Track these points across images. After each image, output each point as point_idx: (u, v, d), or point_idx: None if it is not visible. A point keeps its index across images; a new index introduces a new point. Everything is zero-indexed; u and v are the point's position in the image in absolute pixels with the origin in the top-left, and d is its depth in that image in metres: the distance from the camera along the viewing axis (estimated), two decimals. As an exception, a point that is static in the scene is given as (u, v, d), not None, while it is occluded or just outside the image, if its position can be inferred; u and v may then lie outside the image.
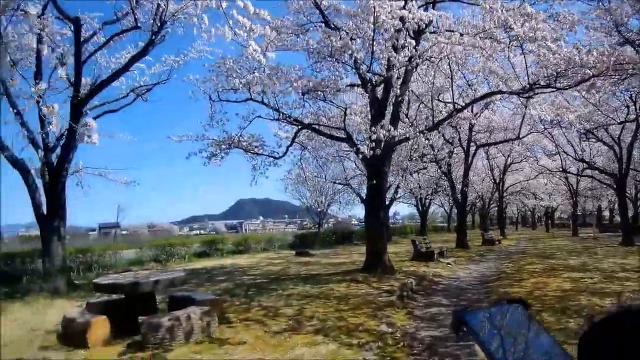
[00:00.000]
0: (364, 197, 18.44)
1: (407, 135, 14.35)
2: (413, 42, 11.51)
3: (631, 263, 17.76)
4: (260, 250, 28.72)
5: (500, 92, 15.72)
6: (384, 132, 12.74)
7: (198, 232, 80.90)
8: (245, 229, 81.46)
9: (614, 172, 30.82)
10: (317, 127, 16.52)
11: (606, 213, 69.93)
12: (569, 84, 12.78)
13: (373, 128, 13.02)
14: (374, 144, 12.92)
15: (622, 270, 15.30)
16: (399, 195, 44.45)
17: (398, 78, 13.89)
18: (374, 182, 15.33)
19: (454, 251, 25.22)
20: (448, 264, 19.25)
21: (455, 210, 39.94)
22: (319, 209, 57.18)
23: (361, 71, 13.76)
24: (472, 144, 28.34)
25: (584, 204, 69.06)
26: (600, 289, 11.44)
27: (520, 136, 25.79)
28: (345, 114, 15.52)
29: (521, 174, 47.66)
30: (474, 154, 29.02)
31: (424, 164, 31.04)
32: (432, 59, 17.00)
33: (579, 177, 44.32)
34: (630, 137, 29.14)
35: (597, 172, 33.13)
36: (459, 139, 27.76)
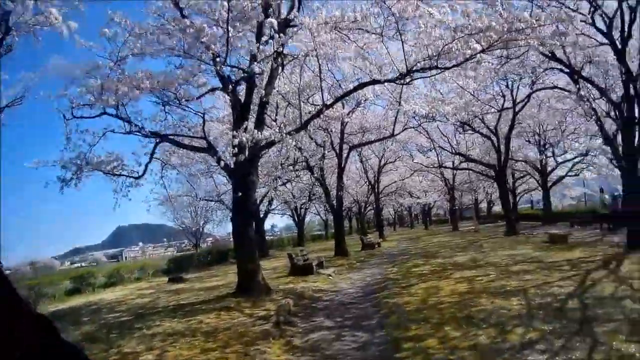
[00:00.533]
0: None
1: (274, 139, 13.47)
2: (279, 35, 11.16)
3: (522, 253, 18.16)
4: (134, 280, 27.51)
5: (375, 81, 15.15)
6: (247, 136, 11.99)
7: (79, 264, 77.74)
8: (126, 257, 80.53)
9: (493, 163, 32.62)
10: (176, 138, 15.53)
11: (483, 205, 74.85)
12: (455, 62, 12.50)
13: (235, 132, 12.17)
14: (236, 149, 12.10)
15: (516, 263, 15.43)
16: (273, 207, 43.96)
17: (261, 73, 13.35)
18: (240, 194, 14.27)
19: (333, 260, 24.78)
20: (328, 275, 18.57)
21: (332, 217, 39.54)
22: (193, 229, 56.19)
23: (219, 67, 12.73)
24: (344, 145, 28.22)
25: (460, 198, 73.61)
26: (500, 288, 11.12)
27: (395, 133, 26.12)
28: (204, 120, 14.82)
29: (396, 174, 49.23)
30: (347, 156, 28.93)
31: (296, 172, 30.60)
32: (300, 55, 16.53)
33: (455, 172, 46.70)
34: (507, 127, 31.06)
35: (474, 164, 34.88)
36: (331, 142, 27.58)
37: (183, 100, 14.36)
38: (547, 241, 22.00)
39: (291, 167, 30.54)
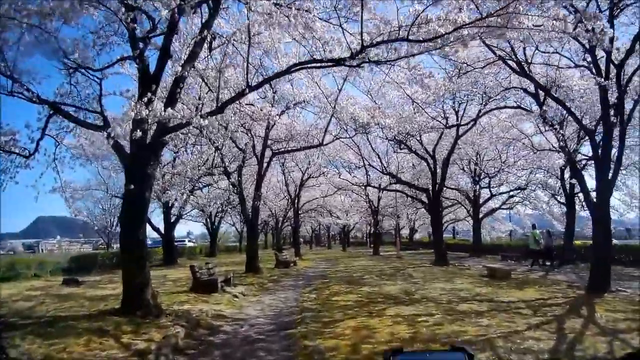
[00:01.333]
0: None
1: (187, 120, 10.31)
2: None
3: (462, 288, 16.05)
4: (31, 277, 23.62)
5: (315, 61, 12.23)
6: (150, 112, 9.25)
7: None
8: (42, 249, 75.89)
9: (426, 187, 30.61)
10: (69, 110, 12.08)
11: (404, 231, 73.70)
12: (430, 36, 9.52)
13: (136, 104, 9.24)
14: (136, 130, 9.60)
15: (462, 300, 13.13)
16: (186, 211, 40.02)
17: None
18: (132, 187, 10.98)
19: (243, 277, 21.68)
20: (235, 296, 15.49)
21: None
22: (105, 227, 51.77)
23: (129, 21, 9.64)
24: (267, 151, 25.09)
25: (382, 222, 72.26)
26: (455, 335, 8.55)
27: (324, 142, 23.32)
28: (101, 88, 11.98)
29: (318, 190, 46.87)
30: (269, 163, 25.96)
31: (214, 176, 27.44)
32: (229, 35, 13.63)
33: (380, 194, 44.58)
34: (446, 150, 29.21)
35: (406, 186, 32.67)
36: (253, 146, 24.49)
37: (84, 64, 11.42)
38: (486, 275, 20.30)
39: (209, 171, 27.43)
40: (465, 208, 43.55)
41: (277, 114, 22.17)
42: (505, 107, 23.19)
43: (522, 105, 22.40)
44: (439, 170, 29.06)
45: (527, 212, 43.51)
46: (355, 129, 23.07)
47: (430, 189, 29.93)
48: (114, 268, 28.70)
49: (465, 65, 17.85)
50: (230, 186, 25.31)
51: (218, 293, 15.71)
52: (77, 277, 21.88)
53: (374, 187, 34.63)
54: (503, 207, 41.07)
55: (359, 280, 20.07)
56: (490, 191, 39.07)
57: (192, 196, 36.15)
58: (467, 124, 26.50)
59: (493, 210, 41.34)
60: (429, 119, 24.99)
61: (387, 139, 28.12)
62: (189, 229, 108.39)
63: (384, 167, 31.22)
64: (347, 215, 55.95)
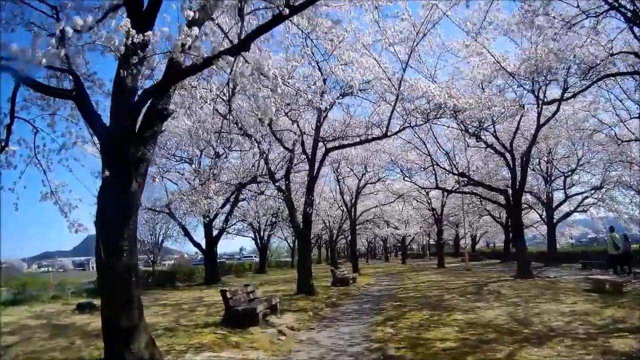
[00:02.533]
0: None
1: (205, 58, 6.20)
2: None
3: (583, 310, 11.83)
4: (47, 300, 19.71)
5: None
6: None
7: (47, 269, 71.91)
8: (92, 267, 69.81)
9: (503, 188, 25.76)
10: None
11: (463, 241, 68.12)
12: None
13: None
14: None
15: (604, 332, 9.08)
16: (230, 225, 35.85)
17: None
18: (108, 173, 6.85)
19: (294, 300, 17.13)
20: (281, 332, 10.93)
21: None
22: (150, 243, 48.84)
23: None
24: (319, 146, 20.51)
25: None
26: None
27: (389, 133, 18.65)
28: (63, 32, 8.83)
29: (374, 199, 42.13)
30: (322, 162, 21.03)
31: (260, 183, 23.46)
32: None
33: (444, 200, 39.66)
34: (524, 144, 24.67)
35: (480, 188, 27.65)
36: (302, 143, 20.04)
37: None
38: (592, 290, 16.29)
39: (254, 178, 23.50)
40: (537, 212, 38.09)
41: (330, 105, 18.07)
42: (616, 74, 17.88)
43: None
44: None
45: (599, 215, 38.11)
46: (427, 113, 18.34)
47: (510, 189, 24.96)
48: (149, 287, 26.03)
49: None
50: (277, 192, 20.82)
51: (259, 326, 11.31)
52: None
53: (445, 190, 29.16)
54: (577, 209, 35.63)
55: (442, 302, 15.36)
56: (566, 192, 33.79)
57: (236, 207, 32.39)
58: (552, 102, 21.40)
59: (567, 214, 35.94)
60: (508, 102, 20.21)
61: (464, 130, 23.27)
62: (242, 245, 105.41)
63: (454, 165, 26.23)
64: (406, 225, 50.89)
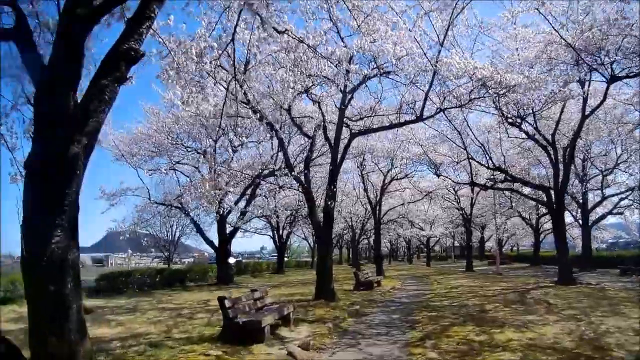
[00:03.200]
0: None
1: None
2: None
3: None
4: None
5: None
6: None
7: None
8: (111, 263, 75.09)
9: (547, 185, 23.12)
10: None
11: (489, 243, 65.19)
12: None
13: None
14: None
15: None
16: (245, 221, 33.43)
17: None
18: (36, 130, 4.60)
19: (311, 307, 14.69)
20: (290, 354, 8.49)
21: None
22: (167, 240, 47.02)
23: None
24: (344, 131, 18.03)
25: (462, 234, 63.98)
26: None
27: (424, 116, 16.14)
28: None
29: (398, 198, 39.44)
30: (346, 149, 18.44)
31: (278, 177, 21.19)
32: None
33: (474, 199, 36.94)
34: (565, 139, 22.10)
35: (517, 184, 24.86)
36: (324, 128, 17.57)
37: None
38: None
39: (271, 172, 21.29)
40: (570, 213, 35.08)
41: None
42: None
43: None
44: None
45: (634, 217, 35.37)
46: (469, 92, 15.66)
47: (552, 186, 22.25)
48: (156, 287, 24.57)
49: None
50: (294, 182, 18.29)
51: (264, 343, 8.98)
52: (100, 299, 18.49)
53: (480, 186, 26.07)
54: (613, 211, 32.68)
55: (485, 313, 12.82)
56: (603, 192, 30.83)
57: (253, 203, 30.12)
58: (623, 78, 18.57)
59: (603, 216, 33.04)
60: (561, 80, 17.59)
61: (503, 118, 20.63)
62: (263, 244, 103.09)
63: (490, 159, 23.42)
64: (431, 226, 48.12)
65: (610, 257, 32.86)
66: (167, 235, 48.74)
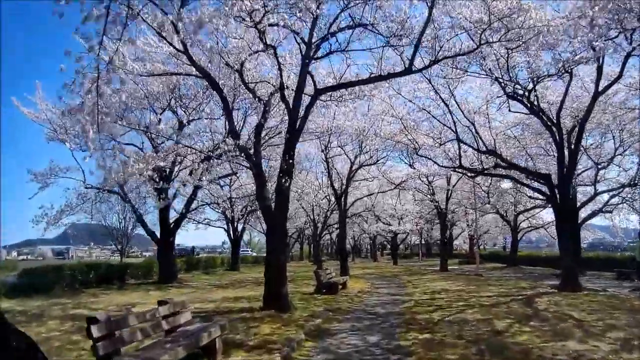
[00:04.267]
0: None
1: None
2: None
3: None
4: None
5: None
6: None
7: (25, 257, 72.79)
8: (72, 256, 72.58)
9: (548, 173, 19.49)
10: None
11: (457, 241, 62.20)
12: None
13: None
14: None
15: None
16: (192, 210, 28.73)
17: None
18: None
19: (255, 323, 10.52)
20: None
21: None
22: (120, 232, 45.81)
23: None
24: (307, 84, 13.74)
25: (431, 232, 60.76)
26: None
27: (413, 68, 12.15)
28: None
29: (365, 190, 35.48)
30: (309, 108, 13.87)
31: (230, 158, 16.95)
32: None
33: (450, 192, 33.28)
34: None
35: (515, 171, 20.90)
36: (281, 84, 13.24)
37: None
38: None
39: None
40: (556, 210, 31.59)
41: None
42: None
43: None
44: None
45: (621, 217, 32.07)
46: (474, 35, 11.69)
47: (556, 174, 18.64)
48: (88, 285, 21.05)
49: None
50: (238, 152, 13.73)
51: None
52: (14, 300, 16.08)
53: (470, 172, 21.67)
54: (604, 210, 29.24)
55: (501, 336, 8.94)
56: (595, 188, 27.30)
57: (202, 190, 26.14)
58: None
59: (593, 214, 29.47)
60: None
61: (502, 85, 16.81)
62: (225, 238, 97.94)
63: (480, 139, 19.45)
64: (399, 221, 44.26)
65: (597, 259, 29.67)
66: (119, 226, 44.82)
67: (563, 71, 16.16)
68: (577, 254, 28.30)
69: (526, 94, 17.31)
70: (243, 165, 16.90)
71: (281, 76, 13.11)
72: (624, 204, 28.94)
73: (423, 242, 66.56)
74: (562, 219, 18.39)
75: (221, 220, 40.46)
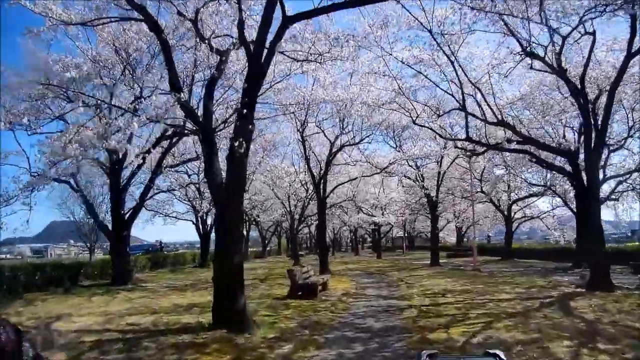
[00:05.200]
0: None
1: None
2: None
3: None
4: None
5: None
6: None
7: (5, 256, 68.70)
8: (51, 254, 71.08)
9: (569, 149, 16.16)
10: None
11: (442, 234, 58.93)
12: None
13: None
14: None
15: None
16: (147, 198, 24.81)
17: None
18: None
19: (194, 350, 7.04)
20: None
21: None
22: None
23: None
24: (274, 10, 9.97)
25: (413, 223, 57.68)
26: None
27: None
28: None
29: (346, 176, 31.56)
30: (274, 44, 9.67)
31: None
32: None
33: (440, 180, 29.85)
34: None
35: (532, 147, 17.11)
36: (240, 20, 9.62)
37: None
38: None
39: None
40: (560, 198, 28.23)
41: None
42: None
43: None
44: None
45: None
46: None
47: (581, 147, 15.34)
48: (31, 289, 17.92)
49: None
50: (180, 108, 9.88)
51: None
52: None
53: (479, 147, 17.34)
54: (611, 197, 25.82)
55: None
56: (604, 172, 23.79)
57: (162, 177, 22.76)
58: None
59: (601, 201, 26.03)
60: None
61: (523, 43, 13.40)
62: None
63: (488, 106, 15.78)
64: (383, 212, 40.76)
65: (605, 252, 26.61)
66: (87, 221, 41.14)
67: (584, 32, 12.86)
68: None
69: (548, 53, 13.92)
70: (189, 131, 13.11)
71: (240, 10, 9.43)
72: (628, 192, 25.77)
73: (406, 234, 62.92)
74: (588, 203, 15.06)
75: (190, 212, 37.17)
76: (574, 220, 36.24)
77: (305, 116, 23.04)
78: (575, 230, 37.52)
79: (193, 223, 37.39)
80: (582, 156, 15.66)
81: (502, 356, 1.85)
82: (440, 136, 18.67)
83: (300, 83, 19.75)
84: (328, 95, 19.94)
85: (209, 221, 36.34)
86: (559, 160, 20.13)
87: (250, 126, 8.97)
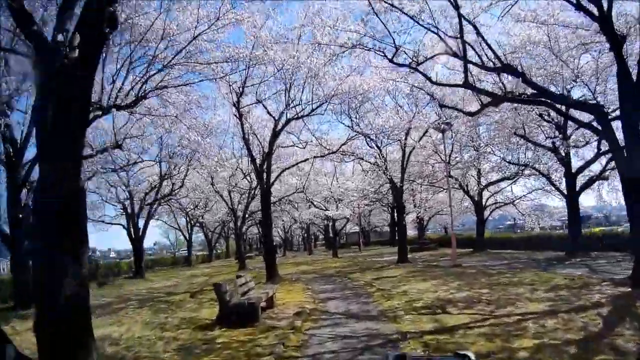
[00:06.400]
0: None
1: None
2: None
3: None
4: None
5: None
6: None
7: None
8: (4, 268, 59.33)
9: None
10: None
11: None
12: None
13: None
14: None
15: None
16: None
17: None
18: None
19: None
20: None
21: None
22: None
23: None
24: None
25: (368, 217, 54.25)
26: None
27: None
28: None
29: (293, 161, 26.88)
30: None
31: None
32: None
33: (406, 163, 25.68)
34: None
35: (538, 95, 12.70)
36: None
37: None
38: None
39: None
40: (545, 177, 24.37)
41: None
42: None
43: None
44: None
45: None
46: None
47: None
48: None
49: None
50: None
51: None
52: None
53: (487, 96, 12.23)
54: (602, 176, 22.19)
55: None
56: (599, 147, 20.18)
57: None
58: None
59: (591, 180, 22.32)
60: None
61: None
62: (156, 239, 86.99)
63: (489, 48, 11.50)
64: (337, 205, 36.49)
65: (596, 237, 23.40)
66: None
67: None
68: (577, 232, 21.85)
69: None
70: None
71: None
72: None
73: (362, 229, 58.68)
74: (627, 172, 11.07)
75: (120, 216, 32.63)
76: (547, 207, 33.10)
77: (243, 86, 18.52)
78: (551, 216, 34.49)
79: (123, 227, 32.48)
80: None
81: (473, 357, 1.85)
82: (430, 80, 13.96)
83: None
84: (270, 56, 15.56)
85: (141, 224, 31.79)
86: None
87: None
